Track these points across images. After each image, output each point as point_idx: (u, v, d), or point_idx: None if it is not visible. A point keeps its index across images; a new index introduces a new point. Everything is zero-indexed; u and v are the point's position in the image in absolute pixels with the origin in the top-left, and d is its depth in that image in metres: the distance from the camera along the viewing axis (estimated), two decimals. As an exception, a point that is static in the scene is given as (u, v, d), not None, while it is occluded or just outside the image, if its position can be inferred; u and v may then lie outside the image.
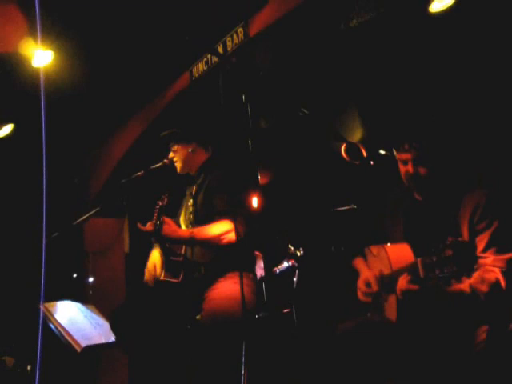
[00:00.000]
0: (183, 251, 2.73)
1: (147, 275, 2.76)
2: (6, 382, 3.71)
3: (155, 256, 2.78)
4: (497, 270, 1.94)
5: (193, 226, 2.73)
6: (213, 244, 2.59)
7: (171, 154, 2.93)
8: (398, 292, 1.95)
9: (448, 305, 1.99)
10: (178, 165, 2.91)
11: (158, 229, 2.48)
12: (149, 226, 2.51)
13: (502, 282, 1.92)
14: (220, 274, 2.64)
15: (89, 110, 4.66)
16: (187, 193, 2.98)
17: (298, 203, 4.83)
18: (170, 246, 2.73)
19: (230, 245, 2.56)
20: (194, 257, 2.71)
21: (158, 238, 2.54)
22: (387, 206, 2.41)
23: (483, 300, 1.92)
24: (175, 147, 2.91)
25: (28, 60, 3.66)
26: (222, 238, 2.56)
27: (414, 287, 1.90)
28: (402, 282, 1.93)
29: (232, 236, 2.54)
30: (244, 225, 2.58)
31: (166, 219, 2.54)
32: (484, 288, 1.93)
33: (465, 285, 1.96)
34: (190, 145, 2.90)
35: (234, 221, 2.52)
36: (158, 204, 2.55)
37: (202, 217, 2.71)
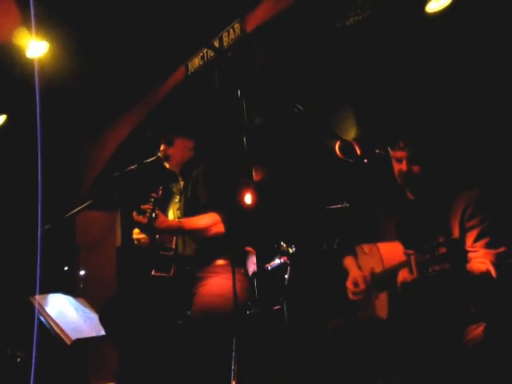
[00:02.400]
0: (174, 245, 2.73)
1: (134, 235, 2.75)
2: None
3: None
4: (487, 261, 1.96)
5: None
6: (200, 234, 2.60)
7: (164, 147, 2.84)
8: (399, 285, 1.95)
9: (435, 297, 2.01)
10: (173, 158, 2.85)
11: (151, 221, 2.47)
12: (141, 218, 2.50)
13: (493, 272, 1.94)
14: (211, 268, 2.64)
15: (83, 102, 4.63)
16: (174, 190, 2.97)
17: (291, 200, 4.84)
18: (160, 241, 2.73)
19: (217, 237, 2.57)
20: (185, 251, 2.71)
21: (150, 230, 2.53)
22: (380, 204, 2.42)
23: (476, 280, 1.93)
24: (175, 140, 2.84)
25: (22, 50, 3.63)
26: (209, 229, 2.57)
27: (415, 276, 1.89)
28: (403, 275, 1.94)
29: (219, 228, 2.56)
30: (227, 218, 2.58)
31: (158, 212, 2.53)
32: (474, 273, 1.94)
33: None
34: (190, 141, 2.88)
35: (220, 213, 2.55)
36: (152, 196, 2.54)
37: (190, 210, 2.72)
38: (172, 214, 2.89)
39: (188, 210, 2.75)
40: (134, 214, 2.50)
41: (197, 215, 2.62)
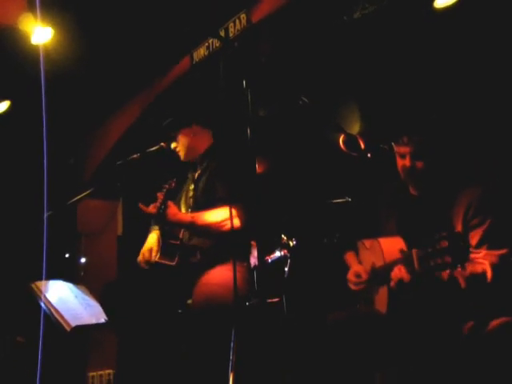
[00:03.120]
0: (181, 235, 2.72)
1: (141, 258, 2.75)
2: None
3: (152, 240, 2.77)
4: (487, 262, 1.95)
5: (192, 211, 2.72)
6: (213, 230, 2.56)
7: (174, 145, 2.87)
8: (393, 282, 1.95)
9: (435, 293, 2.01)
10: (181, 153, 2.86)
11: (162, 212, 2.47)
12: (152, 208, 2.50)
13: (489, 275, 1.93)
14: (216, 260, 2.63)
15: (87, 90, 4.62)
16: (189, 177, 2.96)
17: (293, 193, 4.83)
18: (169, 229, 2.73)
19: (230, 232, 2.54)
20: (191, 241, 2.71)
21: (160, 221, 2.54)
22: (382, 199, 2.42)
23: (464, 287, 1.92)
24: (177, 136, 2.85)
25: (27, 36, 3.61)
26: (222, 224, 2.54)
27: (407, 276, 1.90)
28: (397, 272, 1.94)
29: (235, 222, 2.49)
30: (245, 213, 2.55)
31: (169, 203, 2.53)
32: (463, 276, 1.93)
33: (445, 273, 1.96)
34: (191, 129, 2.87)
35: (236, 208, 2.50)
36: (164, 187, 2.54)
37: (203, 202, 2.70)
38: (184, 202, 2.88)
39: (201, 201, 2.72)
40: (141, 205, 2.49)
41: (211, 208, 2.59)
